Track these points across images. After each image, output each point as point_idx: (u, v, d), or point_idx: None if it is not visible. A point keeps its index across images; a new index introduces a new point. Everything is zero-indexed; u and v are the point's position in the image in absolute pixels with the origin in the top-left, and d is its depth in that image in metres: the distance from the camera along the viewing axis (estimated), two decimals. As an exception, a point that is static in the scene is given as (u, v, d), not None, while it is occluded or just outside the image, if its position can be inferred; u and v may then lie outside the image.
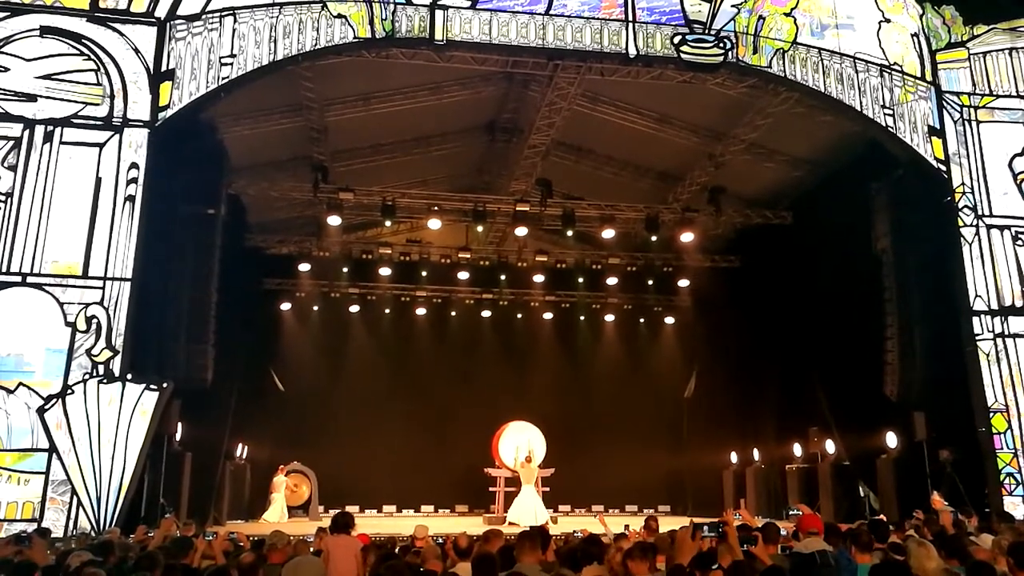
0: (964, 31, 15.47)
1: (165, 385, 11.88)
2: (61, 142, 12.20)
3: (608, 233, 18.87)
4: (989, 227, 14.42)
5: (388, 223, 19.37)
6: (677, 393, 22.42)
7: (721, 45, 13.92)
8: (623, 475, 21.15)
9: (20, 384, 11.36)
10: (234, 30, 12.90)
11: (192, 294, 13.56)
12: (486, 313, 22.24)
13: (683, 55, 13.83)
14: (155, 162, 12.35)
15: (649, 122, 17.35)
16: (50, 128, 12.20)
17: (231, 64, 12.79)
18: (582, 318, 22.89)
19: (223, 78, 12.71)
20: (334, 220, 17.37)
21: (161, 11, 12.84)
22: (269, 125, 16.07)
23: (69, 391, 11.39)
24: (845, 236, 15.95)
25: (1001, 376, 13.68)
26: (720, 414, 20.78)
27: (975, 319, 13.87)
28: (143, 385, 11.67)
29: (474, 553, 6.23)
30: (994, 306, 14.00)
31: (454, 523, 15.83)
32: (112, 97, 12.43)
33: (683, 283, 21.35)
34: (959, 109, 15.01)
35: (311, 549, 7.92)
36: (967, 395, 13.66)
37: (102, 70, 12.51)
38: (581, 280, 21.70)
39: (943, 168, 14.61)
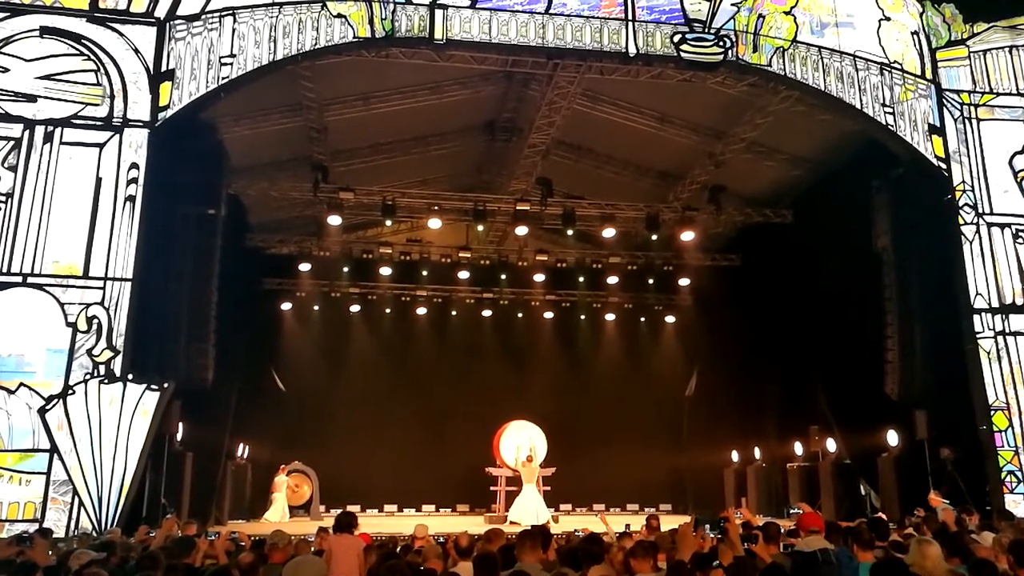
0: (964, 29, 15.47)
1: (166, 385, 11.89)
2: (61, 142, 12.20)
3: (608, 232, 18.87)
4: (989, 225, 14.42)
5: (388, 223, 19.38)
6: (678, 392, 22.41)
7: (721, 44, 13.92)
8: (624, 474, 21.12)
9: (21, 384, 11.37)
10: (234, 30, 12.90)
11: (192, 294, 13.54)
12: (486, 312, 22.23)
13: (683, 54, 13.83)
14: (155, 162, 12.35)
15: (649, 121, 17.35)
16: (50, 128, 12.20)
17: (231, 64, 12.79)
18: (583, 317, 22.88)
19: (223, 78, 12.72)
20: (334, 220, 17.38)
21: (161, 11, 12.84)
22: (269, 125, 16.07)
23: (70, 391, 11.39)
24: (845, 235, 15.94)
25: (1002, 374, 13.68)
26: (721, 413, 20.78)
27: (976, 317, 13.87)
28: (144, 385, 11.68)
29: (475, 552, 6.24)
30: (995, 304, 14.00)
31: (455, 522, 15.82)
32: (112, 97, 12.43)
33: (684, 282, 21.36)
34: (959, 107, 15.00)
35: (312, 549, 7.93)
36: (968, 393, 13.66)
37: (102, 70, 12.51)
38: (581, 279, 21.70)
39: (943, 166, 14.61)
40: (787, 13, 14.51)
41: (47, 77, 12.34)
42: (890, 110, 14.58)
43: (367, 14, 13.17)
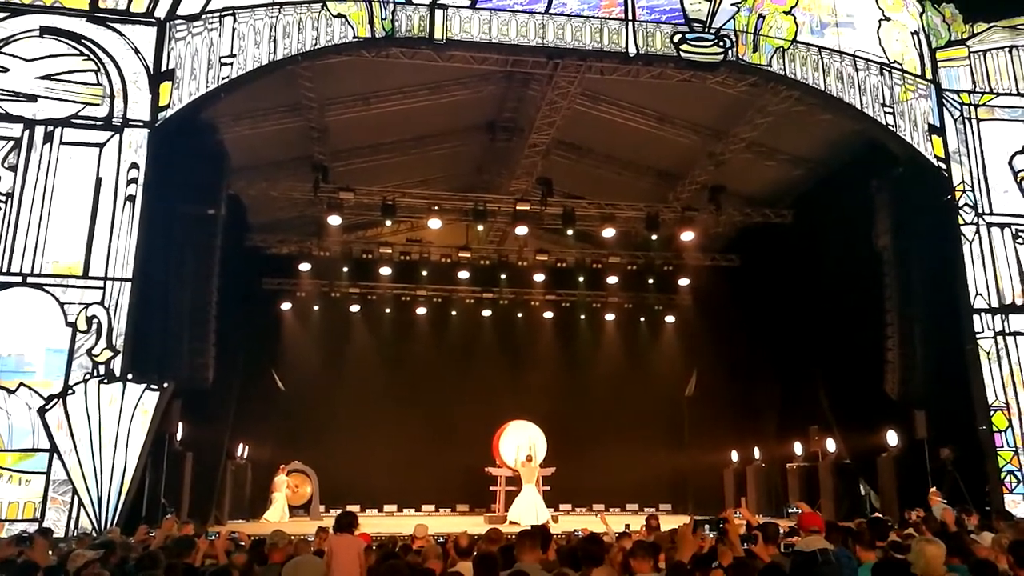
0: (964, 29, 15.47)
1: (166, 385, 11.89)
2: (61, 142, 12.20)
3: (608, 232, 18.89)
4: (989, 225, 14.42)
5: (388, 223, 19.38)
6: (678, 392, 22.40)
7: (721, 44, 13.92)
8: (624, 474, 21.12)
9: (21, 384, 11.36)
10: (234, 30, 12.90)
11: (192, 294, 13.56)
12: (486, 312, 22.25)
13: (683, 54, 13.83)
14: (155, 162, 12.35)
15: (649, 121, 17.35)
16: (50, 128, 12.20)
17: (231, 64, 12.79)
18: (582, 317, 22.88)
19: (223, 78, 12.72)
20: (334, 220, 17.39)
21: (161, 11, 12.84)
22: (269, 125, 16.06)
23: (70, 391, 11.39)
24: (845, 234, 15.95)
25: (1002, 374, 13.68)
26: (721, 413, 20.78)
27: (975, 317, 13.87)
28: (144, 385, 11.67)
29: (475, 552, 6.24)
30: (994, 304, 14.00)
31: (455, 522, 15.82)
32: (112, 97, 12.43)
33: (683, 282, 21.37)
34: (959, 107, 15.00)
35: (312, 549, 7.92)
36: (968, 393, 13.66)
37: (102, 70, 12.51)
38: (581, 279, 21.69)
39: (943, 166, 14.61)
40: (787, 13, 14.51)
41: (47, 77, 12.33)
42: (890, 110, 14.58)
43: (367, 14, 13.17)
